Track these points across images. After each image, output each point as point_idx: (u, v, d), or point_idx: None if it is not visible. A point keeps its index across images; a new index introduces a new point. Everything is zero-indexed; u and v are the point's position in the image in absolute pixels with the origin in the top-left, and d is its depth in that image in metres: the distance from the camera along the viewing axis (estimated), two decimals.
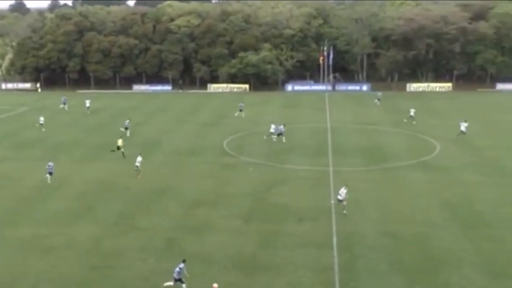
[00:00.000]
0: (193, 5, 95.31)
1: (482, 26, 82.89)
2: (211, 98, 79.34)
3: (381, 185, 38.44)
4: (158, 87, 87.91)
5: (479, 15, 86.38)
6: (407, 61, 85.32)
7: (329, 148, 48.55)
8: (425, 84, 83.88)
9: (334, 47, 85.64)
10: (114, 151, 45.86)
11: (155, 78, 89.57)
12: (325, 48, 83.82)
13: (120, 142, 46.48)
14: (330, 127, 57.48)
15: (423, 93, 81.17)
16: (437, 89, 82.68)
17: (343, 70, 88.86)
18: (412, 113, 58.94)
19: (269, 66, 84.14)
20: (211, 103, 74.72)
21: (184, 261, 25.28)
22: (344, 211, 32.82)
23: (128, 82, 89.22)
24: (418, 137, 52.68)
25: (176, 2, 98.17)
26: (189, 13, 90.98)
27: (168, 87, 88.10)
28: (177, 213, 33.88)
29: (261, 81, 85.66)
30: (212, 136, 54.42)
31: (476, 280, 25.35)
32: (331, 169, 42.36)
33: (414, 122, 58.12)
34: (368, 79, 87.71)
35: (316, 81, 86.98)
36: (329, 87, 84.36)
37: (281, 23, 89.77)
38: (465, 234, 30.09)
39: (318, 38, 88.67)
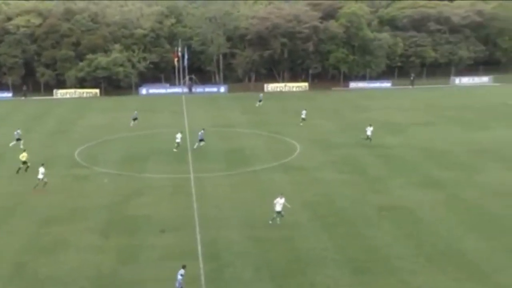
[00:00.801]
0: (32, 3, 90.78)
1: (333, 25, 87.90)
2: (58, 104, 76.20)
3: (244, 189, 39.41)
4: None
5: (329, 15, 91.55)
6: (263, 61, 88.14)
7: (189, 154, 48.79)
8: (282, 84, 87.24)
9: (189, 48, 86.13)
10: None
11: None
12: (179, 49, 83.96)
13: (24, 156, 43.07)
14: (188, 131, 57.73)
15: (281, 93, 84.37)
16: (294, 89, 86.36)
17: (200, 72, 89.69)
18: (303, 115, 60.67)
19: (120, 69, 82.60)
20: (58, 110, 71.76)
21: (184, 267, 24.96)
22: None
23: None
24: (277, 138, 54.66)
25: (13, 0, 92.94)
26: (28, 12, 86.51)
27: (8, 94, 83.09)
28: (27, 233, 32.20)
29: (113, 85, 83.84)
30: (62, 146, 52.38)
31: (339, 278, 26.91)
32: (192, 175, 42.63)
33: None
34: (226, 80, 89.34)
35: (172, 83, 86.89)
36: (186, 90, 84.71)
37: (131, 23, 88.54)
38: (327, 233, 31.81)
39: (172, 38, 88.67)
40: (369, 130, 51.32)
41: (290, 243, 30.68)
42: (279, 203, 32.59)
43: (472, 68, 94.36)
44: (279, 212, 32.62)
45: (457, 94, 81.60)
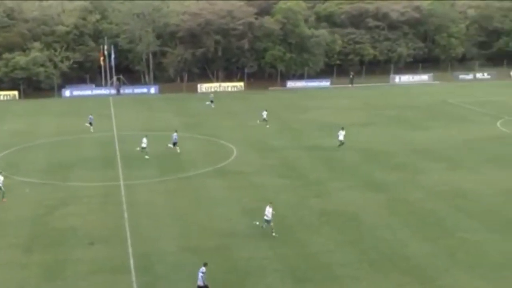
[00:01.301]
0: None
1: (268, 22, 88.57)
2: None
3: (179, 197, 39.19)
4: None
5: (265, 10, 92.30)
6: (196, 60, 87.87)
7: (118, 160, 48.11)
8: (217, 84, 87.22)
9: (116, 46, 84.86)
10: None
11: None
12: (105, 47, 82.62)
13: None
14: (117, 135, 56.93)
15: (215, 93, 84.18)
16: (229, 89, 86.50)
17: (128, 71, 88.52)
18: (264, 116, 60.83)
19: (41, 69, 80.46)
20: None
21: (205, 265, 25.89)
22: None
23: None
24: (213, 141, 54.62)
25: None
26: None
27: None
28: None
29: (33, 86, 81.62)
30: None
31: None
32: (122, 183, 42.04)
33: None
34: (156, 81, 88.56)
35: (98, 84, 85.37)
36: (113, 91, 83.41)
37: (51, 19, 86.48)
38: (267, 241, 32.00)
39: (97, 36, 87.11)
40: (341, 135, 50.66)
41: (227, 252, 30.71)
42: (269, 212, 32.39)
43: (412, 66, 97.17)
44: (268, 221, 32.44)
45: (397, 92, 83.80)
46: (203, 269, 25.90)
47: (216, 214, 36.00)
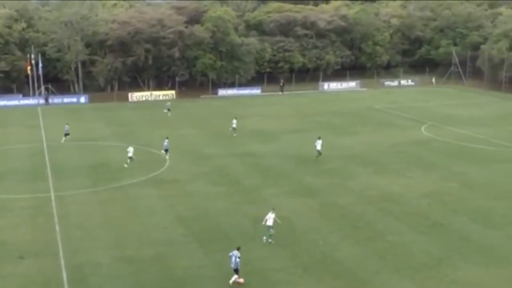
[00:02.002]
0: None
1: (198, 30, 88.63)
2: None
3: (113, 207, 38.67)
4: None
5: (194, 19, 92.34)
6: (126, 68, 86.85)
7: (48, 171, 47.02)
8: (148, 93, 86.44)
9: (43, 55, 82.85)
10: None
11: None
12: (33, 56, 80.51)
13: None
14: (47, 146, 55.61)
15: (146, 102, 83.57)
16: (161, 97, 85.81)
17: (57, 81, 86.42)
18: (234, 125, 60.54)
19: None
20: None
21: (238, 249, 27.73)
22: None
23: None
24: (145, 150, 54.14)
25: None
26: None
27: None
28: None
29: None
30: None
31: None
32: (52, 194, 41.11)
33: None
34: (86, 90, 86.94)
35: (26, 94, 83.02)
36: (42, 101, 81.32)
37: None
38: (202, 249, 32.04)
39: (23, 45, 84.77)
40: (318, 144, 50.04)
41: (163, 262, 30.54)
42: (270, 218, 32.66)
43: (340, 73, 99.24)
44: (270, 227, 32.61)
45: (326, 99, 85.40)
46: (237, 253, 27.70)
47: (151, 223, 35.73)
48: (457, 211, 37.67)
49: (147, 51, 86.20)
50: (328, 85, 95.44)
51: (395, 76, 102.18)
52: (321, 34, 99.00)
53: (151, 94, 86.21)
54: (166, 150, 51.06)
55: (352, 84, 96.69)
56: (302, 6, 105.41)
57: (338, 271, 29.49)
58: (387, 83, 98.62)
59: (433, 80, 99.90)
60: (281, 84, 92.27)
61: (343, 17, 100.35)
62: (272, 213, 33.03)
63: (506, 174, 45.92)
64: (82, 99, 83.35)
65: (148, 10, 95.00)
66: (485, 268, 29.50)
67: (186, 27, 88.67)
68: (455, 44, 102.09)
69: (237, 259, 27.63)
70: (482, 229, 34.63)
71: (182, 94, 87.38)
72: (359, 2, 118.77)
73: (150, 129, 63.73)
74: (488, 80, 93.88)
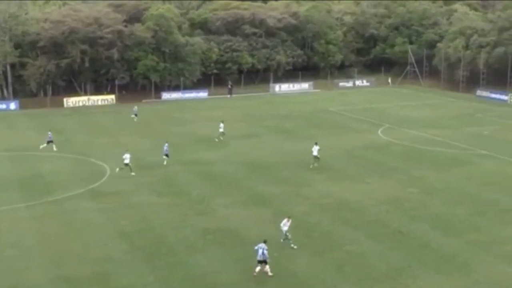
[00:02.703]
0: None
1: (139, 29, 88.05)
2: None
3: (48, 222, 37.94)
4: None
5: (134, 17, 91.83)
6: (61, 71, 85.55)
7: None
8: (85, 98, 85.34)
9: None
10: None
11: None
12: None
13: None
14: None
15: (84, 108, 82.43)
16: (100, 103, 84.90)
17: None
18: (221, 129, 60.37)
19: None
20: None
21: (265, 242, 30.08)
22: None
23: None
24: (83, 160, 53.39)
25: None
26: None
27: None
28: None
29: None
30: None
31: None
32: None
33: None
34: (16, 95, 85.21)
35: None
36: None
37: None
38: (148, 265, 31.70)
39: None
40: (315, 150, 50.02)
41: (104, 281, 30.08)
42: (286, 225, 33.82)
43: (292, 74, 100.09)
44: (286, 232, 33.92)
45: (277, 102, 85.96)
46: (264, 245, 29.93)
47: (90, 239, 35.19)
48: (417, 217, 38.37)
49: (83, 52, 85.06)
50: (280, 87, 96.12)
51: (349, 77, 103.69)
52: (271, 33, 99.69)
53: (88, 99, 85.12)
54: (166, 155, 51.42)
55: (304, 85, 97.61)
56: (250, 3, 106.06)
57: (294, 284, 29.62)
58: (341, 84, 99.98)
59: (389, 80, 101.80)
60: (229, 86, 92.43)
61: (294, 15, 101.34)
62: (288, 221, 34.00)
63: (465, 178, 47.07)
64: (12, 105, 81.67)
65: (83, 8, 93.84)
66: (446, 277, 30.12)
67: (125, 26, 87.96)
68: (410, 43, 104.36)
69: (265, 251, 29.92)
70: (442, 236, 35.36)
71: (123, 98, 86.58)
72: None
73: (89, 137, 62.88)
74: (445, 79, 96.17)
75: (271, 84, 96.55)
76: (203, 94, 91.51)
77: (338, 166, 51.02)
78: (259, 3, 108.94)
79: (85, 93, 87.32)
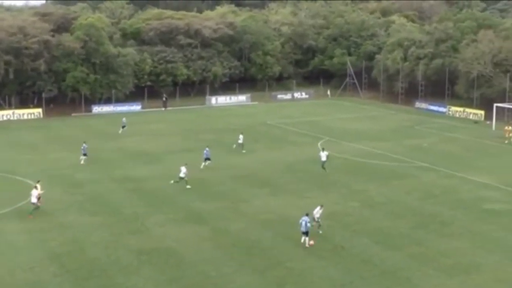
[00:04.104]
0: None
1: (67, 39, 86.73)
2: None
3: None
4: None
5: (62, 27, 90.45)
6: None
7: None
8: (10, 112, 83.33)
9: None
10: None
11: None
12: None
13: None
14: None
15: (8, 122, 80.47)
16: (26, 117, 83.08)
17: None
18: (241, 140, 60.94)
19: None
20: None
21: (307, 214, 35.92)
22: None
23: None
24: (7, 178, 52.04)
25: None
26: None
27: None
28: None
29: None
30: None
31: None
32: None
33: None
34: None
35: None
36: None
37: None
38: None
39: None
40: (324, 155, 52.90)
41: None
42: (318, 213, 38.25)
43: (228, 86, 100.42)
44: (318, 219, 38.32)
45: (214, 115, 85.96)
46: (307, 218, 35.83)
47: (15, 262, 34.16)
48: (359, 232, 38.88)
49: (7, 63, 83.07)
50: (216, 100, 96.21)
51: (288, 89, 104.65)
52: (206, 44, 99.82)
53: (13, 113, 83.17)
54: (207, 159, 54.40)
55: (242, 98, 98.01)
56: (184, 12, 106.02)
57: None
58: (279, 96, 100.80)
59: (328, 92, 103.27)
60: (164, 99, 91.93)
61: (230, 25, 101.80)
62: (321, 208, 38.51)
63: (406, 191, 48.00)
64: None
65: (6, 16, 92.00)
66: None
67: (53, 36, 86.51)
68: (349, 54, 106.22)
69: (308, 224, 35.57)
70: (384, 250, 35.91)
71: (50, 112, 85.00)
72: (247, 8, 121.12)
73: (14, 154, 61.35)
74: (384, 91, 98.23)
75: (208, 97, 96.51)
76: (136, 107, 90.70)
77: (278, 180, 51.27)
78: (193, 13, 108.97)
79: (10, 107, 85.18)
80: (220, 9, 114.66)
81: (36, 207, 42.21)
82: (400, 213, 42.59)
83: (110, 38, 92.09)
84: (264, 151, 62.14)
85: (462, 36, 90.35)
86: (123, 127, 72.17)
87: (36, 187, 42.95)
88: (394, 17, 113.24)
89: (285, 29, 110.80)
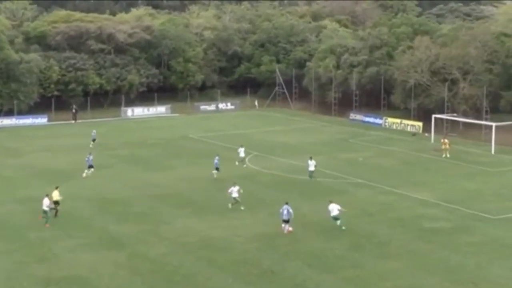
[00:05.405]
0: None
1: None
2: None
3: None
4: None
5: None
6: None
7: None
8: None
9: None
10: None
11: None
12: None
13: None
14: None
15: None
16: None
17: None
18: (242, 153, 62.79)
19: None
20: None
21: (287, 203, 41.57)
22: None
23: None
24: None
25: None
26: None
27: None
28: None
29: None
30: None
31: None
32: None
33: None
34: None
35: None
36: None
37: None
38: None
39: None
40: (312, 165, 56.99)
41: None
42: (336, 209, 42.67)
43: (146, 96, 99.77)
44: (336, 218, 42.63)
45: (130, 128, 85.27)
46: (287, 206, 41.40)
47: None
48: (290, 254, 39.14)
49: None
50: (133, 111, 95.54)
51: (212, 99, 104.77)
52: (121, 49, 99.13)
53: None
54: (217, 169, 57.18)
55: (161, 109, 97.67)
56: (95, 15, 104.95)
57: None
58: (203, 107, 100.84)
59: (256, 103, 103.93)
60: (74, 110, 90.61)
61: (147, 29, 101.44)
62: (336, 204, 43.05)
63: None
64: None
65: None
66: None
67: None
68: (278, 61, 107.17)
69: (290, 210, 41.47)
70: (318, 273, 36.25)
71: None
72: (166, 11, 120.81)
73: None
74: (317, 102, 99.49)
75: (123, 108, 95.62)
76: (42, 120, 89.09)
77: (201, 199, 51.22)
78: (106, 16, 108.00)
79: None
80: (136, 12, 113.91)
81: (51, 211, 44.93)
82: (335, 233, 43.07)
83: (11, 42, 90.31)
84: (186, 167, 61.94)
85: (398, 43, 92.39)
86: (93, 140, 71.50)
87: (47, 195, 45.15)
88: (325, 22, 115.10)
89: (208, 33, 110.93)
